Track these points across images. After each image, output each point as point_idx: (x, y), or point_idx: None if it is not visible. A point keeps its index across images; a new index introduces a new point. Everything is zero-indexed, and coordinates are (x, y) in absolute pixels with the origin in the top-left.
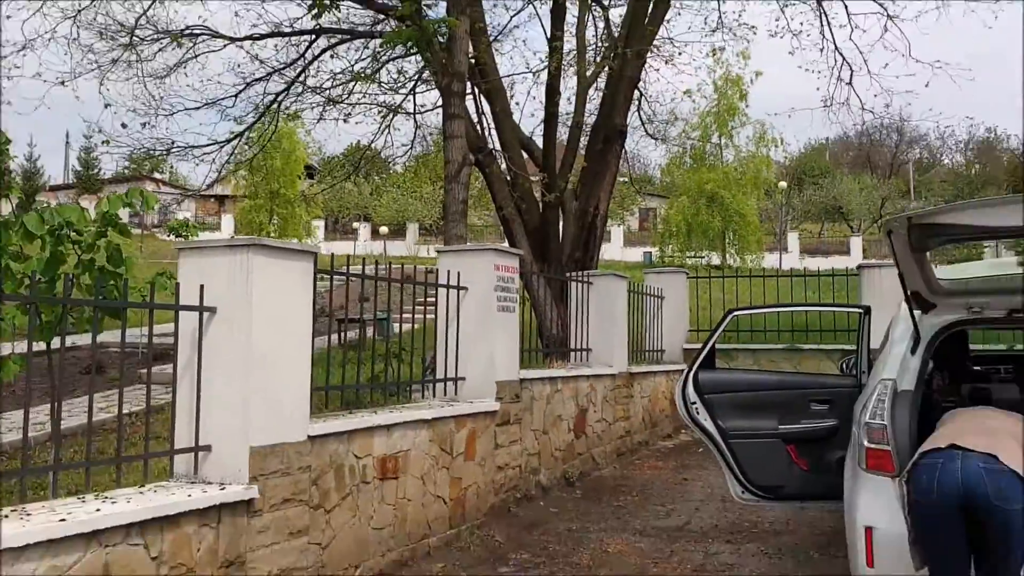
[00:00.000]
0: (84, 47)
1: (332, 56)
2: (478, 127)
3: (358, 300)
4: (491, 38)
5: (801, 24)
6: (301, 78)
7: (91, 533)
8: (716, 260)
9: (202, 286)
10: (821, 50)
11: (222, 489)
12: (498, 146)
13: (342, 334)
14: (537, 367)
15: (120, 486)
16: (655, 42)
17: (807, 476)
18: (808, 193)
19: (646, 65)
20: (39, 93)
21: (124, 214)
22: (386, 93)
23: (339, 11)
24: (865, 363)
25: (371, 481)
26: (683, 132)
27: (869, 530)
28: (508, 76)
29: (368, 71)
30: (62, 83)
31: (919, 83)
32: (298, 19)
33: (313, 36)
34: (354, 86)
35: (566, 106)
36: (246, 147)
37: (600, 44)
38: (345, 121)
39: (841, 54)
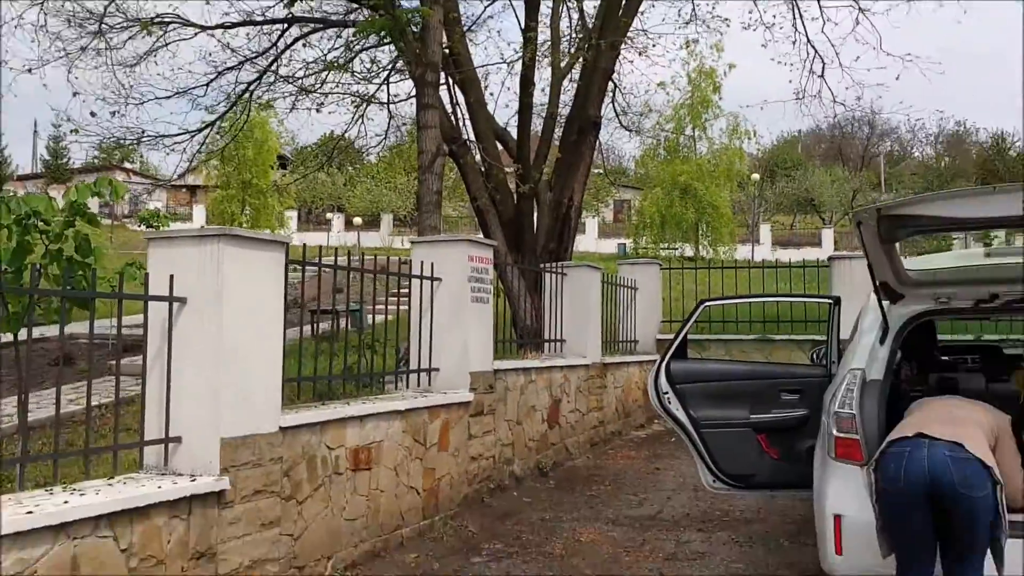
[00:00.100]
0: (52, 34)
1: (305, 45)
2: (452, 117)
3: (331, 291)
4: (465, 28)
5: (774, 17)
6: (273, 67)
7: (59, 525)
8: (689, 252)
9: (172, 276)
10: (794, 43)
11: (193, 481)
12: (472, 137)
13: (315, 325)
14: (511, 358)
15: (89, 478)
16: (629, 33)
17: (778, 465)
18: (780, 185)
19: (620, 57)
20: (6, 81)
21: (94, 204)
22: (359, 83)
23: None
24: (835, 353)
25: (344, 472)
26: (657, 124)
27: (838, 518)
28: (482, 67)
29: (341, 60)
30: (29, 71)
31: (890, 76)
32: (270, 7)
33: (285, 25)
34: (327, 75)
35: (540, 97)
36: (218, 137)
37: (574, 35)
38: (318, 111)
39: (813, 47)
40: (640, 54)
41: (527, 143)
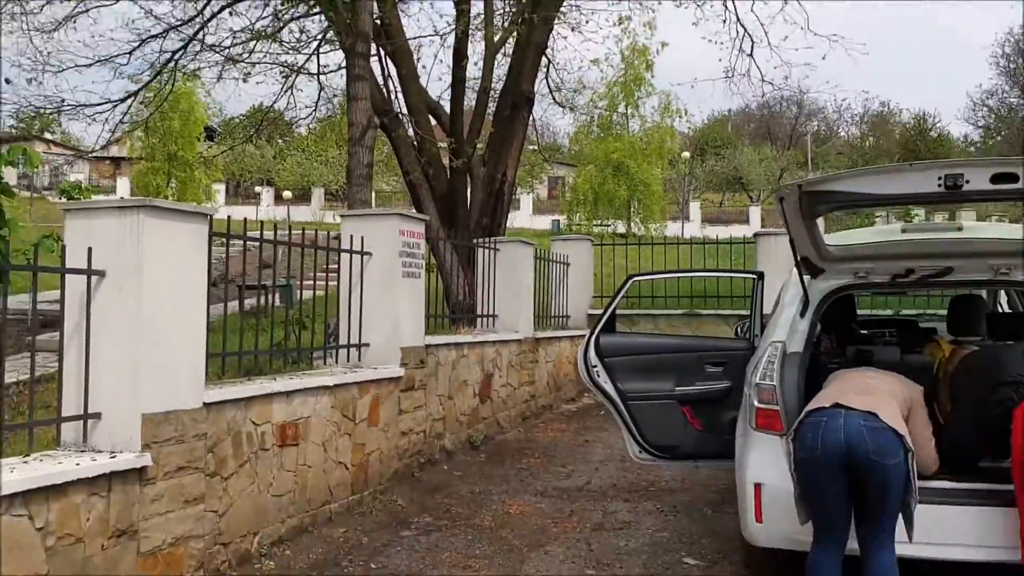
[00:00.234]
0: None
1: (231, 14)
2: (384, 90)
3: (259, 266)
4: None
5: None
6: (199, 36)
7: None
8: (622, 228)
9: (90, 249)
10: (724, 21)
11: (112, 457)
12: (404, 110)
13: (242, 301)
14: (444, 333)
15: (3, 456)
16: (563, 8)
17: (702, 436)
18: (710, 164)
19: (554, 32)
20: None
21: (10, 175)
22: (288, 53)
23: None
24: (758, 327)
25: (270, 448)
26: (591, 101)
27: (758, 487)
28: (415, 39)
29: (269, 30)
30: None
31: (816, 56)
32: None
33: None
34: (255, 45)
35: (474, 71)
36: (142, 107)
37: (508, 8)
38: (245, 81)
39: (743, 26)
40: (573, 30)
41: (460, 117)
